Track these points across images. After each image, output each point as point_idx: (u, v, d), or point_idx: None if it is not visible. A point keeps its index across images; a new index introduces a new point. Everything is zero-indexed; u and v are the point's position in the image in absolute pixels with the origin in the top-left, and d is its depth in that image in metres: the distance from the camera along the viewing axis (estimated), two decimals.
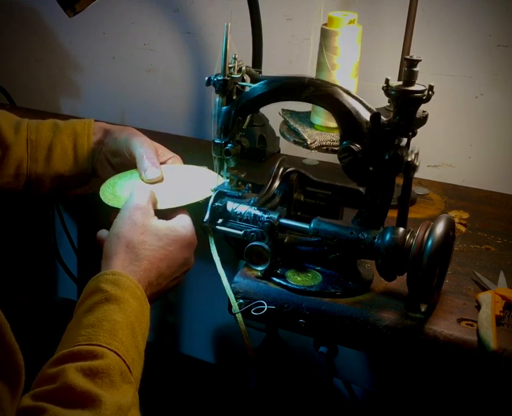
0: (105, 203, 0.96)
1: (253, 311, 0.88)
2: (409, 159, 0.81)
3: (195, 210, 0.94)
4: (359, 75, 1.11)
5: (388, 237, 0.81)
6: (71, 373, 0.68)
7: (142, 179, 1.00)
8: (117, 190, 0.99)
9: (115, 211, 0.92)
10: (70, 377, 0.68)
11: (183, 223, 0.90)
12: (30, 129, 1.06)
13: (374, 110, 0.83)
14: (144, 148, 1.01)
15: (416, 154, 0.82)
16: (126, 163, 1.04)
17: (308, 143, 1.05)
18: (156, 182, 0.99)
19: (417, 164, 0.82)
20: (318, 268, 0.91)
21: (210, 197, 0.94)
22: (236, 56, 0.90)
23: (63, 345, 0.75)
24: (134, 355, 0.76)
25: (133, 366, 0.74)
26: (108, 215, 0.94)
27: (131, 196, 0.90)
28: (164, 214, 0.92)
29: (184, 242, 0.89)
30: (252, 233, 0.90)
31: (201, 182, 1.00)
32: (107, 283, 0.79)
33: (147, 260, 0.84)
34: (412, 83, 0.80)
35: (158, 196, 0.94)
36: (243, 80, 0.92)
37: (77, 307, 0.80)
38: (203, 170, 1.05)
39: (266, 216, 0.90)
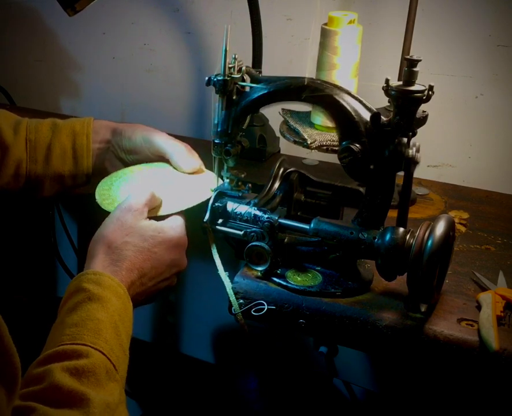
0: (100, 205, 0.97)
1: (253, 311, 0.88)
2: (409, 156, 0.81)
3: (195, 211, 0.94)
4: (359, 75, 1.11)
5: (388, 237, 0.81)
6: (57, 373, 0.68)
7: (182, 172, 1.02)
8: (112, 190, 0.99)
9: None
10: (57, 377, 0.68)
11: (172, 224, 0.90)
12: (29, 129, 1.06)
13: (374, 110, 0.83)
14: (170, 144, 1.03)
15: (417, 151, 0.82)
16: (144, 159, 1.06)
17: (308, 142, 1.05)
18: (196, 173, 1.02)
19: (418, 159, 0.82)
20: (318, 268, 0.91)
21: (210, 197, 0.94)
22: (236, 56, 0.90)
23: (48, 345, 0.75)
24: (119, 353, 0.76)
25: (118, 363, 0.75)
26: (108, 212, 0.94)
27: (127, 198, 0.90)
28: (160, 216, 0.92)
29: (170, 243, 0.89)
30: (252, 233, 0.90)
31: (199, 184, 1.00)
32: (89, 282, 0.79)
33: (129, 260, 0.84)
34: (412, 83, 0.80)
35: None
36: (243, 80, 0.92)
37: (60, 307, 0.80)
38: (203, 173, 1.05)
39: (266, 216, 0.90)
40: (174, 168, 1.03)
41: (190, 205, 0.94)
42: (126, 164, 1.07)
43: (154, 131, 1.05)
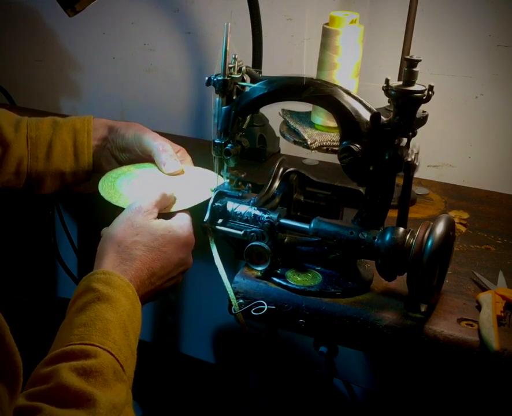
0: (103, 197, 0.97)
1: (253, 311, 0.88)
2: (409, 159, 0.81)
3: (195, 210, 0.94)
4: (360, 75, 1.11)
5: (388, 237, 0.81)
6: (65, 373, 0.68)
7: (163, 173, 1.01)
8: (117, 184, 0.99)
9: (120, 209, 0.92)
10: (64, 377, 0.68)
11: (181, 223, 0.90)
12: (30, 126, 1.07)
13: (374, 110, 0.83)
14: (158, 143, 1.02)
15: (416, 154, 0.82)
16: (136, 158, 1.06)
17: (309, 143, 1.05)
18: (176, 175, 1.01)
19: (417, 163, 0.82)
20: (318, 268, 0.91)
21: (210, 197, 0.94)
22: (236, 56, 0.90)
23: (56, 344, 0.75)
24: (127, 353, 0.76)
25: (126, 364, 0.75)
26: (108, 211, 0.94)
27: (137, 199, 0.90)
28: (167, 215, 0.92)
29: (179, 242, 0.89)
30: (252, 233, 0.90)
31: (203, 182, 1.00)
32: (99, 282, 0.79)
33: (139, 260, 0.84)
34: (412, 83, 0.80)
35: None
36: (243, 80, 0.92)
37: (69, 306, 0.80)
38: (204, 171, 1.05)
39: (266, 216, 0.90)
40: (158, 168, 1.03)
41: (198, 203, 0.94)
42: (120, 162, 1.07)
43: (145, 130, 1.05)
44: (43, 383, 0.68)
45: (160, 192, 0.91)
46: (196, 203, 0.94)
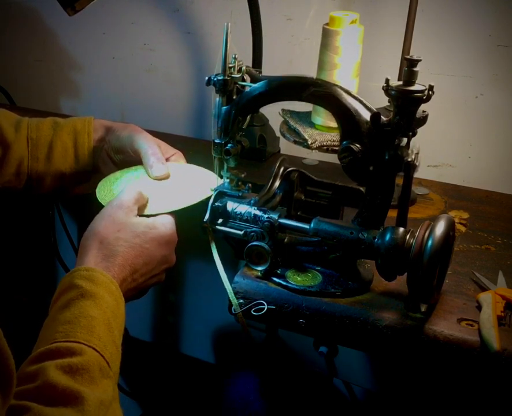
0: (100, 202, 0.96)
1: (253, 311, 0.88)
2: (409, 159, 0.81)
3: (194, 211, 0.94)
4: (360, 75, 1.11)
5: (388, 237, 0.81)
6: (51, 371, 0.68)
7: (149, 176, 1.01)
8: (114, 189, 0.99)
9: None
10: (51, 375, 0.68)
11: (163, 221, 0.91)
12: (30, 127, 1.07)
13: (374, 110, 0.83)
14: (148, 145, 1.02)
15: (417, 154, 0.82)
16: (130, 160, 1.05)
17: (309, 142, 1.05)
18: (162, 179, 1.00)
19: (417, 163, 0.82)
20: (318, 268, 0.91)
21: (208, 197, 0.94)
22: (236, 56, 0.90)
23: (41, 342, 0.75)
24: (112, 349, 0.76)
25: (112, 360, 0.75)
26: None
27: (118, 195, 0.91)
28: (150, 215, 0.92)
29: (162, 239, 0.89)
30: (252, 233, 0.90)
31: (196, 184, 1.00)
32: (82, 279, 0.79)
33: (121, 256, 0.84)
34: (412, 83, 0.80)
35: (150, 199, 0.94)
36: (243, 80, 0.92)
37: (52, 303, 0.80)
38: (202, 170, 1.05)
39: (266, 216, 0.90)
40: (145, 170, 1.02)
41: (181, 207, 0.93)
42: (115, 163, 1.07)
43: (139, 131, 1.05)
44: (29, 381, 0.68)
45: (138, 190, 0.91)
46: (182, 206, 0.94)
